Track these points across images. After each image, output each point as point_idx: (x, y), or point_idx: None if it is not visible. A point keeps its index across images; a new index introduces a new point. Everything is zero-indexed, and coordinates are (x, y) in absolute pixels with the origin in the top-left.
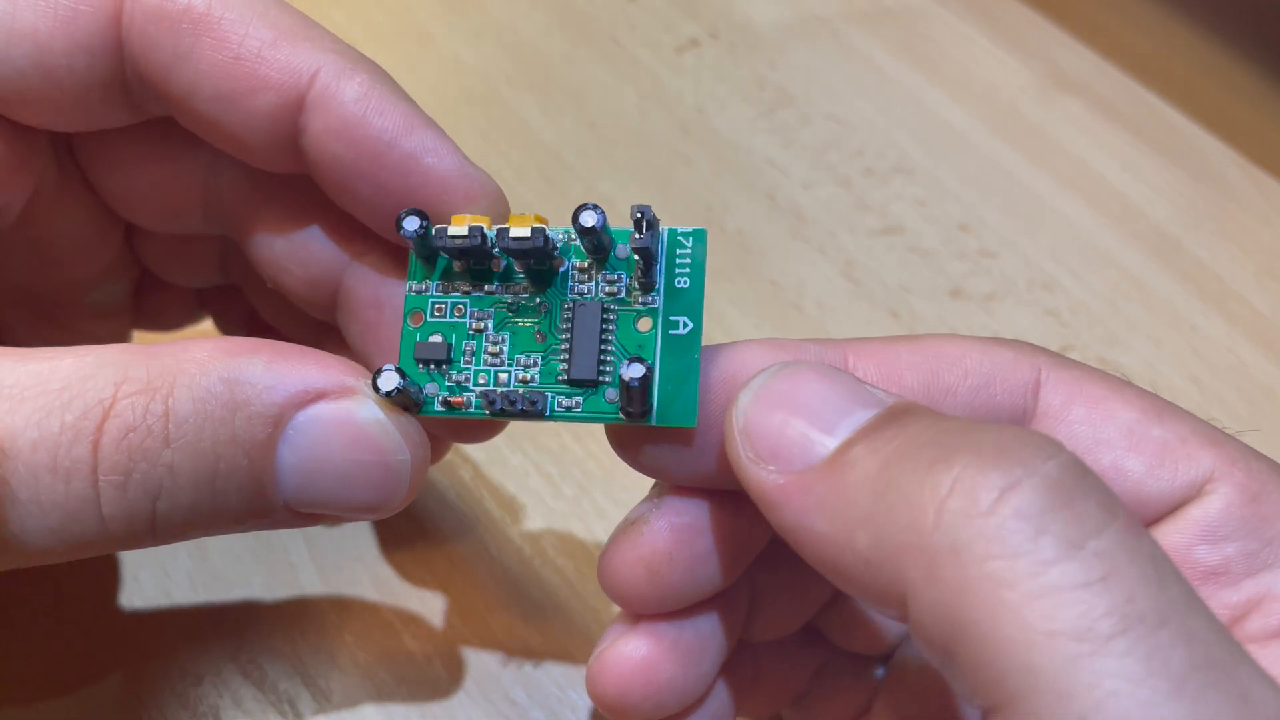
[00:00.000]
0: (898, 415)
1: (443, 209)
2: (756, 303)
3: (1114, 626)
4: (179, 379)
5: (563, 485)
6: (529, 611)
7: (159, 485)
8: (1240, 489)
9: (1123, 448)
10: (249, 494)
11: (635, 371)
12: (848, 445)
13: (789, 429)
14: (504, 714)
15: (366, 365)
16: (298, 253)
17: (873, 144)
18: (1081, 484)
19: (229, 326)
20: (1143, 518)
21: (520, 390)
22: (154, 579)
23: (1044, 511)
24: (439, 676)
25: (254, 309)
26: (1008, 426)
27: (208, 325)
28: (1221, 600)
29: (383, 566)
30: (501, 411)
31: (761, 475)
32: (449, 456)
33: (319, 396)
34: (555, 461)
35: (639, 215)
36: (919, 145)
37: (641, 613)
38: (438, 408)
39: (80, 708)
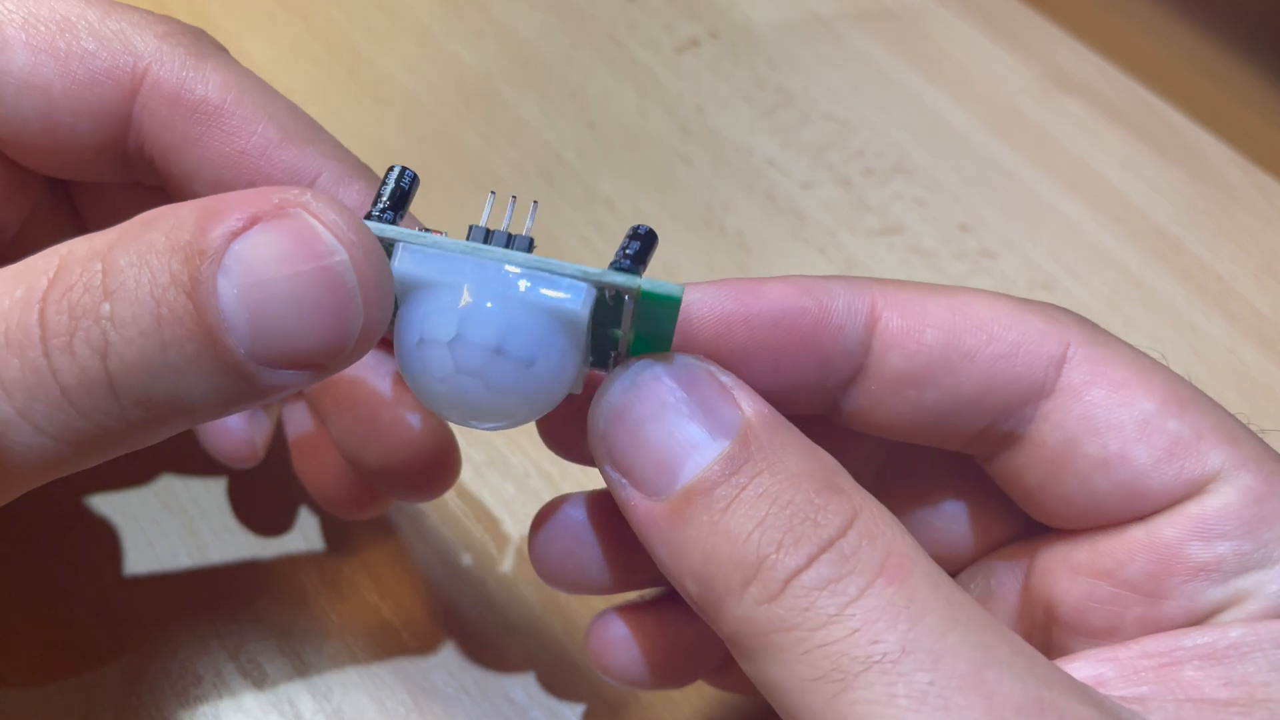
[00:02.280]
0: (737, 458)
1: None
2: None
3: (858, 666)
4: (122, 237)
5: (563, 485)
6: (528, 611)
7: (103, 339)
8: (1244, 490)
9: (1134, 437)
10: (202, 344)
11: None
12: (689, 493)
13: (643, 452)
14: (504, 714)
15: None
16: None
17: (873, 144)
18: (852, 560)
19: None
20: (1140, 508)
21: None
22: (154, 578)
23: (813, 590)
24: (439, 676)
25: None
26: (819, 491)
27: None
28: (1208, 596)
29: (383, 566)
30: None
31: (617, 487)
32: None
33: (253, 222)
34: (555, 461)
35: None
36: (919, 145)
37: (576, 593)
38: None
39: (80, 707)
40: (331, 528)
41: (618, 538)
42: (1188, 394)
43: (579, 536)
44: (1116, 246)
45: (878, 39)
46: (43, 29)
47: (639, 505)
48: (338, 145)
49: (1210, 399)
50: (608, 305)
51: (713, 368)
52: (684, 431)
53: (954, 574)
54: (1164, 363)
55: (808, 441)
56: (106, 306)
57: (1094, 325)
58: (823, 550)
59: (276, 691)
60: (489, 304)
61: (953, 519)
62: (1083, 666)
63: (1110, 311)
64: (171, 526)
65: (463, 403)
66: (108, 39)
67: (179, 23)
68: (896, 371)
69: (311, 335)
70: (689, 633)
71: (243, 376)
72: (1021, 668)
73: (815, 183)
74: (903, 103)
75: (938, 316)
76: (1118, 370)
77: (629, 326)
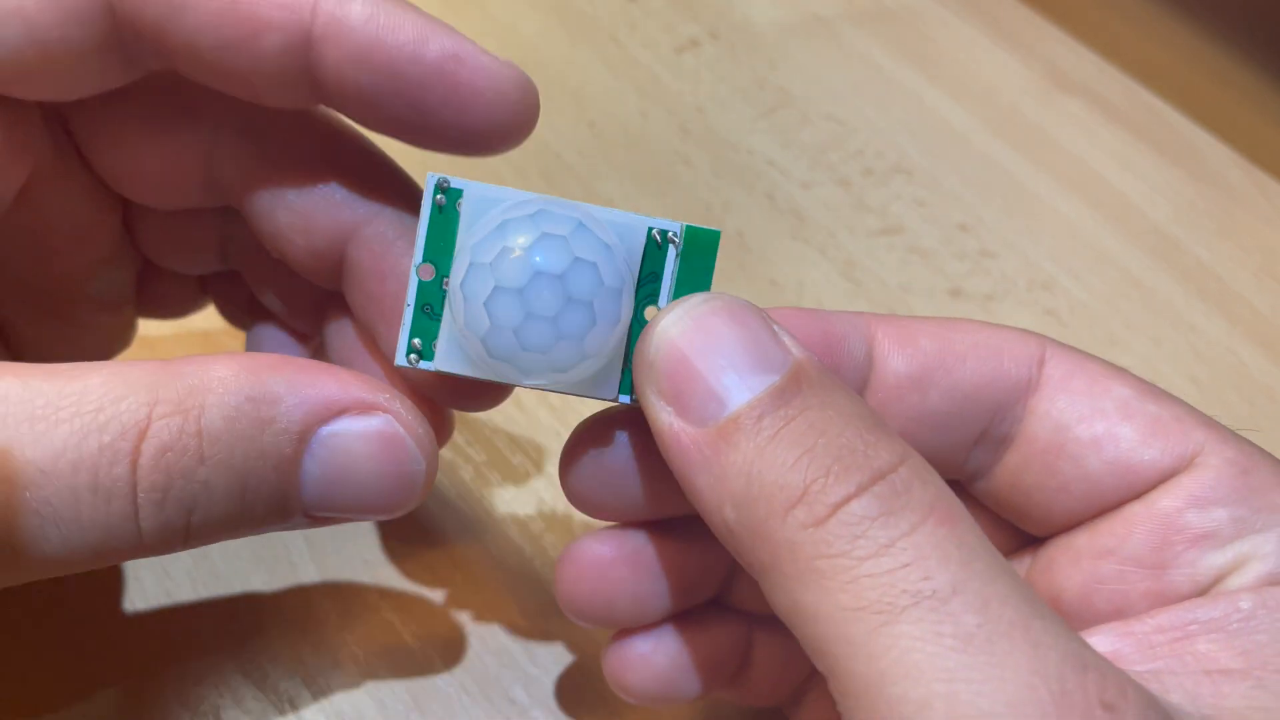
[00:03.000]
0: (788, 392)
1: (476, 111)
2: (756, 303)
3: (908, 600)
4: (208, 398)
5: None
6: (529, 611)
7: (195, 500)
8: (1230, 462)
9: (1117, 418)
10: (274, 503)
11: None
12: (736, 420)
13: (691, 378)
14: (504, 714)
15: (370, 331)
16: (301, 223)
17: (873, 144)
18: (904, 496)
19: (231, 312)
20: (1134, 484)
21: None
22: (155, 579)
23: (863, 520)
24: (439, 676)
25: (254, 294)
26: (868, 431)
27: (210, 312)
28: (1209, 562)
29: (384, 566)
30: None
31: (660, 414)
32: (450, 456)
33: (341, 412)
34: (555, 461)
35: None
36: (919, 145)
37: (598, 516)
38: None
39: (81, 707)
40: (332, 528)
41: (653, 465)
42: (1156, 388)
43: (614, 464)
44: (1116, 246)
45: (878, 39)
46: None
47: (683, 432)
48: None
49: (1172, 394)
50: (656, 247)
51: (764, 312)
52: (735, 362)
53: None
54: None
55: (848, 386)
56: (203, 471)
57: (1062, 342)
58: (874, 481)
59: (277, 691)
60: (562, 232)
61: None
62: (1098, 643)
63: (1110, 311)
64: None
65: (520, 324)
66: None
67: None
68: (899, 376)
69: (370, 506)
70: (704, 650)
71: (293, 520)
72: (1063, 626)
73: (815, 183)
74: (903, 103)
75: (927, 329)
76: (1091, 366)
77: (672, 270)
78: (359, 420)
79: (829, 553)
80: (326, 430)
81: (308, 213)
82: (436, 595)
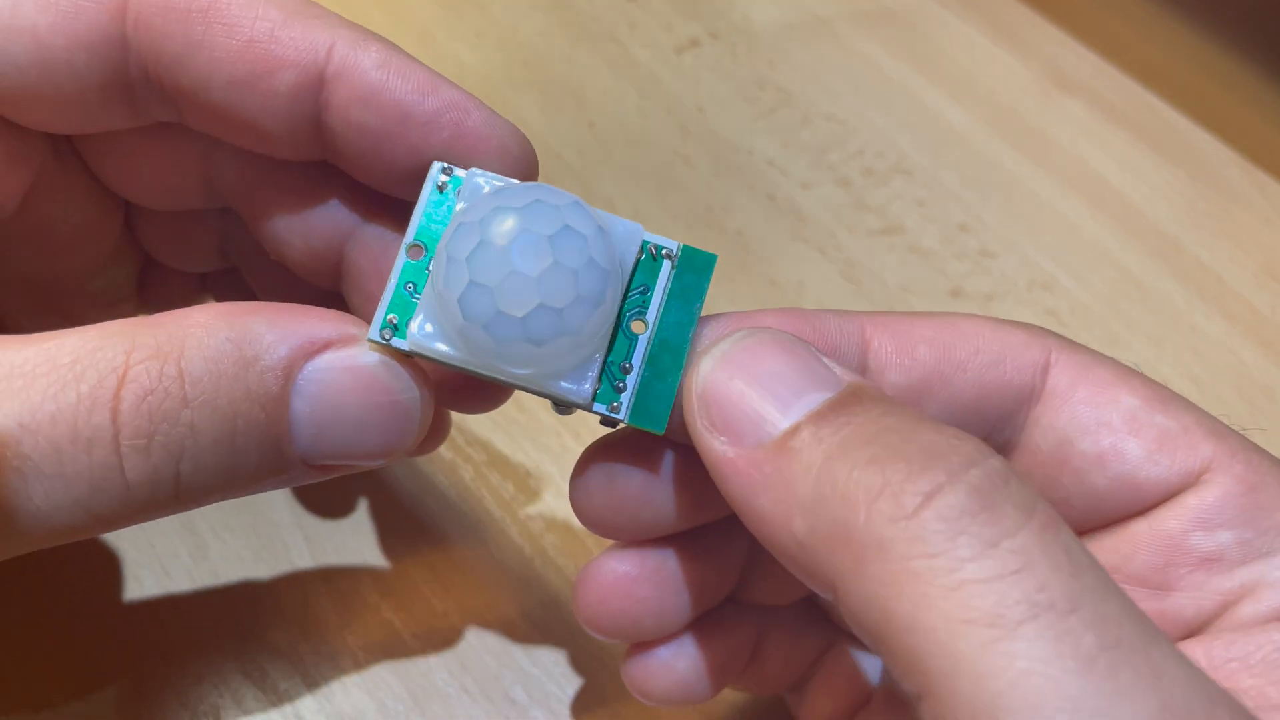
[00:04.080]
0: (848, 403)
1: (478, 160)
2: (756, 303)
3: (1024, 613)
4: (187, 341)
5: (563, 485)
6: (529, 611)
7: (181, 445)
8: (1238, 480)
9: (1124, 431)
10: (267, 449)
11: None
12: (796, 429)
13: (744, 403)
14: (504, 714)
15: None
16: (300, 226)
17: (873, 144)
18: (1002, 489)
19: None
20: (1139, 501)
21: None
22: (154, 578)
23: (963, 515)
24: (439, 676)
25: (255, 291)
26: (944, 430)
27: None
28: (1215, 586)
29: (384, 566)
30: None
31: (714, 444)
32: (449, 456)
33: (325, 346)
34: (555, 461)
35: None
36: (919, 145)
37: (613, 537)
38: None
39: (80, 706)
40: (332, 527)
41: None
42: (1166, 394)
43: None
44: (1116, 247)
45: (878, 39)
46: None
47: (739, 457)
48: (341, 17)
49: (1185, 399)
50: (651, 260)
51: (812, 346)
52: (787, 384)
53: None
54: (1141, 370)
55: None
56: (187, 413)
57: (1070, 340)
58: (967, 468)
59: (277, 691)
60: (557, 203)
61: None
62: None
63: (1110, 311)
64: (170, 524)
65: (515, 307)
66: None
67: None
68: (895, 389)
69: (367, 447)
70: (721, 650)
71: (289, 473)
72: (1180, 654)
73: (815, 183)
74: (903, 103)
75: (926, 334)
76: (1099, 372)
77: (664, 285)
78: (345, 353)
79: (926, 551)
80: (312, 366)
81: (306, 216)
82: (437, 595)
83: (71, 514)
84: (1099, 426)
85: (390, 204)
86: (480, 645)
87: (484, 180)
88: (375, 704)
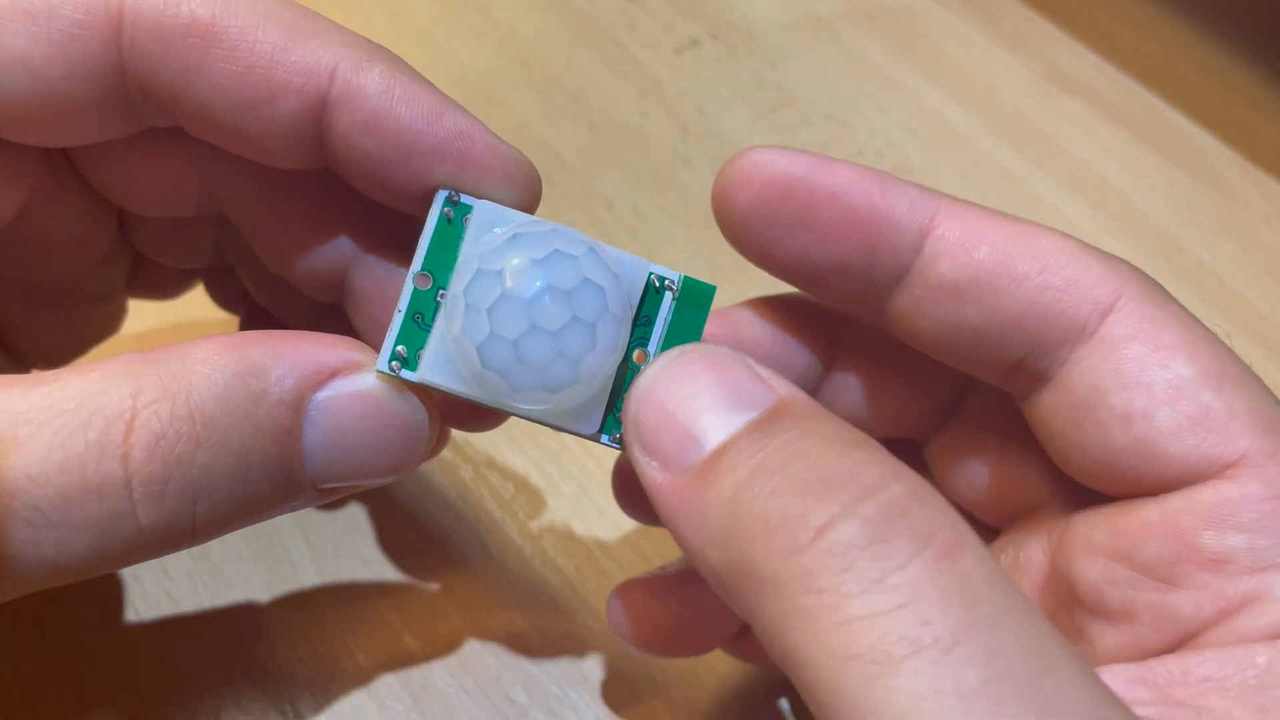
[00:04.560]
0: (768, 424)
1: (478, 191)
2: (759, 301)
3: (906, 649)
4: (193, 379)
5: (563, 485)
6: (529, 611)
7: (197, 487)
8: (1269, 484)
9: (1161, 399)
10: (280, 479)
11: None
12: (715, 457)
13: (669, 427)
14: (504, 714)
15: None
16: (302, 247)
17: (873, 144)
18: (898, 520)
19: (222, 297)
20: (1154, 474)
21: None
22: (154, 579)
23: (850, 549)
24: (439, 676)
25: (247, 286)
26: (852, 454)
27: (202, 303)
28: (1218, 590)
29: (383, 566)
30: None
31: (645, 469)
32: (449, 456)
33: (332, 375)
34: (555, 461)
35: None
36: (919, 145)
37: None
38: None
39: (80, 708)
40: (333, 527)
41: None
42: (1234, 371)
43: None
44: (1116, 246)
45: (878, 39)
46: None
47: (665, 483)
48: (344, 30)
49: (1262, 384)
50: (654, 292)
51: (746, 358)
52: (712, 405)
53: (987, 542)
54: (1227, 340)
55: (847, 423)
56: (202, 456)
57: (1156, 286)
58: (861, 500)
59: (277, 691)
60: (575, 253)
61: (988, 475)
62: (1109, 684)
63: None
64: None
65: (526, 352)
66: None
67: None
68: (942, 279)
69: (377, 468)
70: (707, 602)
71: (300, 498)
72: (1079, 680)
73: None
74: (903, 103)
75: (996, 237)
76: (1164, 332)
77: (665, 316)
78: (352, 380)
79: (814, 587)
80: (321, 395)
81: (310, 238)
82: (436, 595)
83: (83, 559)
84: (1137, 386)
85: (396, 226)
86: (480, 645)
87: (494, 213)
88: (375, 704)
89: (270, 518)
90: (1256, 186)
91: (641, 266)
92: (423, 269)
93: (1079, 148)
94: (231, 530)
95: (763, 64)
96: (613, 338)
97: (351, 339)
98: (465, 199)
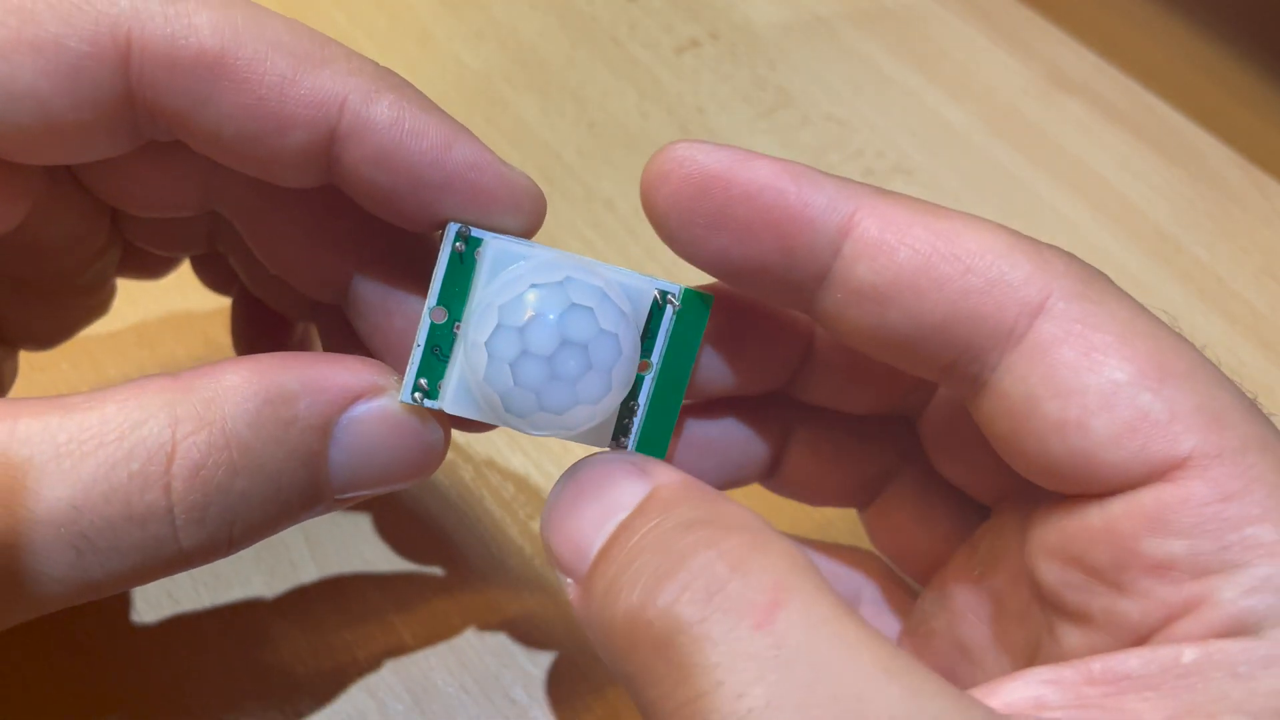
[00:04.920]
0: (629, 526)
1: (487, 220)
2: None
3: None
4: (227, 409)
5: None
6: (529, 611)
7: (234, 511)
8: (1213, 484)
9: (1095, 406)
10: (307, 498)
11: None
12: (592, 568)
13: (567, 546)
14: (504, 714)
15: (374, 356)
16: (304, 253)
17: (873, 144)
18: (715, 598)
19: (214, 283)
20: (1096, 484)
21: None
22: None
23: (676, 636)
24: (439, 676)
25: (238, 273)
26: (691, 533)
27: (192, 292)
28: (1161, 596)
29: (384, 566)
30: None
31: (568, 591)
32: (450, 456)
33: (356, 398)
34: (555, 461)
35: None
36: (919, 145)
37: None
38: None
39: (80, 707)
40: (333, 526)
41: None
42: (1178, 365)
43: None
44: (1116, 247)
45: (878, 39)
46: (5, 28)
47: (574, 598)
48: (353, 57)
49: (1215, 373)
50: (658, 307)
51: (633, 456)
52: (592, 517)
53: (977, 523)
54: (1173, 325)
55: (716, 495)
56: (240, 483)
57: (1094, 276)
58: (685, 587)
59: (277, 691)
60: (589, 304)
61: (974, 452)
62: (1020, 687)
63: None
64: None
65: (546, 375)
66: (71, 15)
67: None
68: (860, 283)
69: (396, 480)
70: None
71: (322, 509)
72: (904, 716)
73: None
74: (903, 103)
75: (917, 237)
76: (1096, 333)
77: (667, 329)
78: (375, 403)
79: (654, 680)
80: (347, 418)
81: (311, 245)
82: (437, 595)
83: (125, 578)
84: (1070, 394)
85: (400, 234)
86: (480, 645)
87: (505, 249)
88: (375, 703)
89: (293, 525)
90: (1256, 186)
91: (648, 288)
92: (438, 304)
93: (1079, 148)
94: (261, 539)
95: (763, 64)
96: (627, 376)
97: (372, 361)
98: (476, 233)
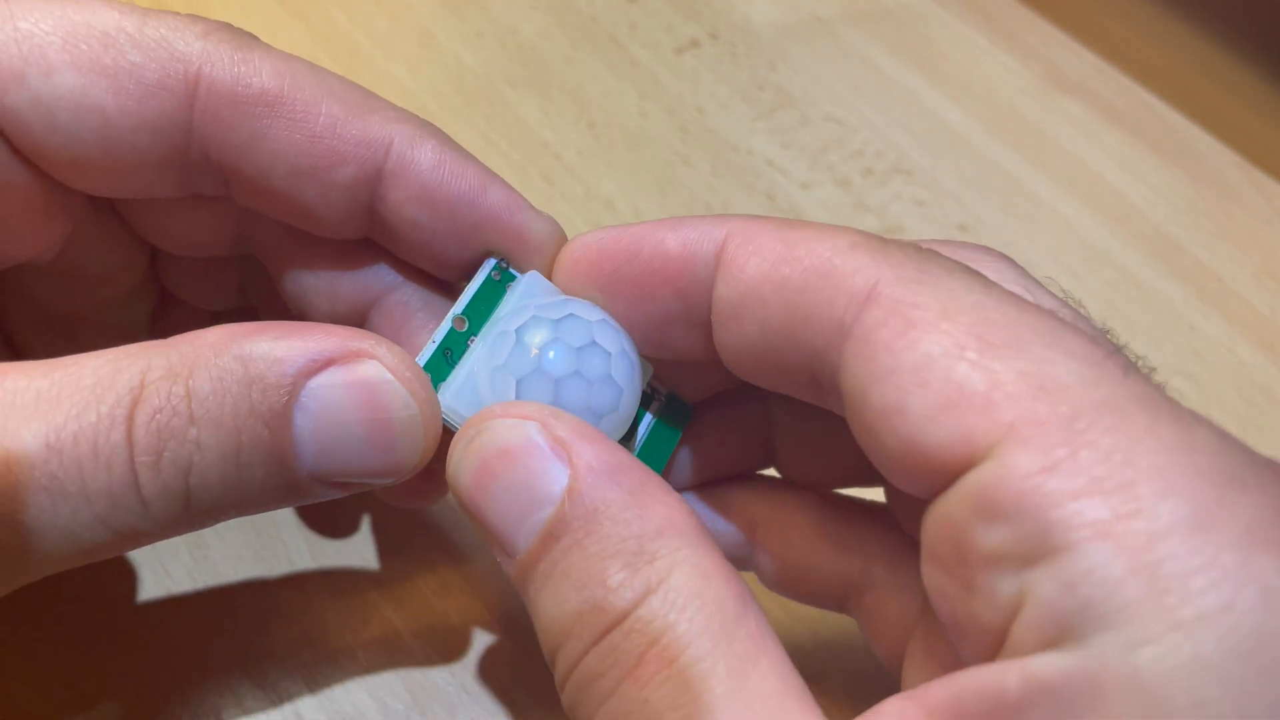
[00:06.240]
0: (555, 531)
1: (514, 258)
2: None
3: None
4: (197, 361)
5: None
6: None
7: (189, 460)
8: (1037, 455)
9: (910, 384)
10: (272, 466)
11: None
12: (525, 563)
13: (489, 524)
14: (504, 714)
15: None
16: (326, 288)
17: (872, 144)
18: (621, 645)
19: None
20: (929, 472)
21: None
22: (155, 578)
23: (578, 689)
24: (439, 675)
25: None
26: (609, 560)
27: None
28: (1000, 594)
29: (384, 566)
30: None
31: (496, 553)
32: None
33: (328, 363)
34: None
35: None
36: (919, 145)
37: None
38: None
39: (81, 707)
40: (333, 526)
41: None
42: (1008, 333)
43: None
44: (1115, 247)
45: (877, 39)
46: (85, 47)
47: (509, 568)
48: (397, 109)
49: (1061, 339)
50: (645, 397)
51: (549, 423)
52: (514, 507)
53: (919, 515)
54: (1065, 299)
55: (636, 486)
56: (194, 430)
57: (933, 260)
58: (594, 643)
59: (277, 690)
60: (610, 349)
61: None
62: (889, 713)
63: (1109, 311)
64: None
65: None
66: (151, 48)
67: (213, 20)
68: (720, 300)
69: (371, 467)
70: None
71: (300, 491)
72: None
73: (815, 183)
74: (902, 103)
75: (768, 247)
76: (916, 309)
77: (649, 423)
78: (345, 369)
79: (577, 717)
80: (315, 382)
81: (333, 279)
82: (437, 594)
83: (95, 531)
84: (888, 375)
85: (418, 269)
86: (480, 645)
87: (535, 288)
88: (375, 703)
89: (273, 508)
90: (1256, 186)
91: (647, 374)
92: (462, 314)
93: (1078, 148)
94: (231, 516)
95: (763, 64)
96: (629, 413)
97: (356, 329)
98: (512, 270)
